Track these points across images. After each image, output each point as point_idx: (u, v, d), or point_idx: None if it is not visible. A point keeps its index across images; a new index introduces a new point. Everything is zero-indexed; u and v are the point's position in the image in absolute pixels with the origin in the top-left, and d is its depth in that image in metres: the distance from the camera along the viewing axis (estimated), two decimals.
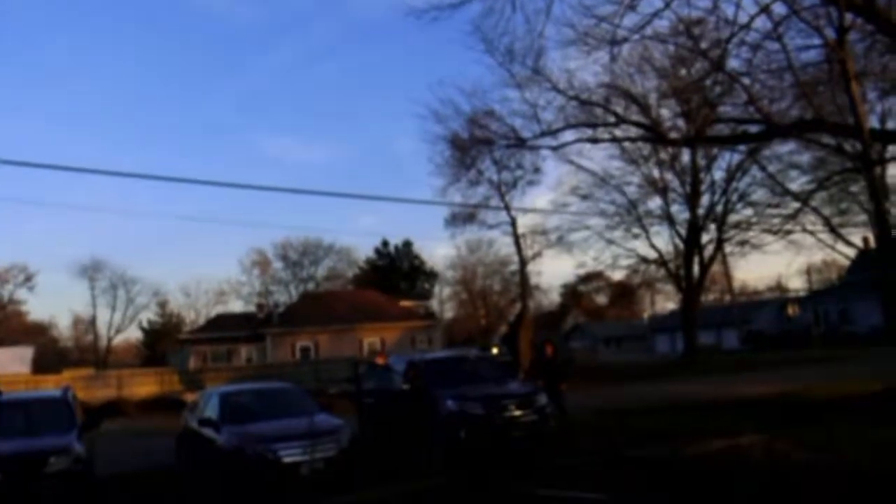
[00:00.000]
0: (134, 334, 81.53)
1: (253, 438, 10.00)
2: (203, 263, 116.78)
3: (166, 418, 23.48)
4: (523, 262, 39.00)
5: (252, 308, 56.86)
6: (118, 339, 78.67)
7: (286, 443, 9.91)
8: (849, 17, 11.26)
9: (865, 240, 47.21)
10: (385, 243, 74.20)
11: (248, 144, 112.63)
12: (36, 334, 69.88)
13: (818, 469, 8.91)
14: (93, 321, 76.15)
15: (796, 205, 32.56)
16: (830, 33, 11.60)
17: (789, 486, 8.13)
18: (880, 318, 47.57)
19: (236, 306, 73.17)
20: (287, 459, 9.76)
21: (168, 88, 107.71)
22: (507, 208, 36.62)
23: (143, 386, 35.27)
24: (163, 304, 74.35)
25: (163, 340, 66.03)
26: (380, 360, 13.89)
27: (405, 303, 54.75)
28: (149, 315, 75.17)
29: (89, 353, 74.36)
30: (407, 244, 74.50)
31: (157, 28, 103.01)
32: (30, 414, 10.15)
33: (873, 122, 18.38)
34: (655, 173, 39.66)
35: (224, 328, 47.98)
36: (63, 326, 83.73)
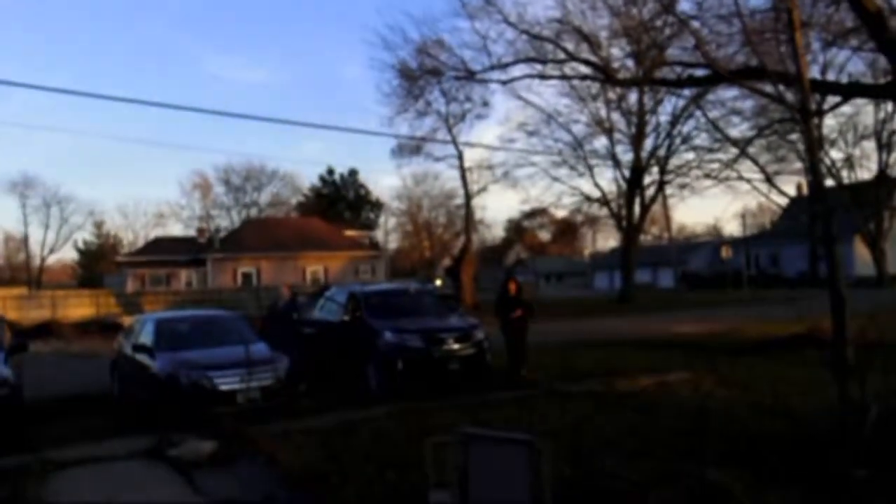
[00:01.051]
0: (69, 255, 79.45)
1: (188, 365, 9.95)
2: (141, 185, 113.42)
3: (103, 341, 23.13)
4: (468, 196, 39.09)
5: (192, 232, 55.81)
6: (52, 260, 76.49)
7: (222, 371, 9.89)
8: None
9: (799, 187, 48.80)
10: (330, 171, 73.33)
11: (190, 63, 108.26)
12: None
13: (735, 405, 9.40)
14: (25, 240, 73.70)
15: (736, 151, 33.25)
16: None
17: (707, 419, 8.56)
18: (806, 263, 49.74)
19: (176, 230, 71.69)
20: (223, 387, 9.77)
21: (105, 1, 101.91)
22: (455, 141, 36.46)
23: (79, 308, 34.58)
24: (99, 225, 72.35)
25: (99, 262, 64.59)
26: (285, 291, 13.75)
27: (349, 232, 54.53)
28: (84, 235, 73.14)
29: (21, 273, 72.14)
30: (353, 173, 73.77)
31: None
32: None
33: (814, 72, 18.74)
34: (602, 113, 39.87)
35: (163, 251, 47.08)
36: None
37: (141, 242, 59.95)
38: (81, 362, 18.89)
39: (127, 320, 18.01)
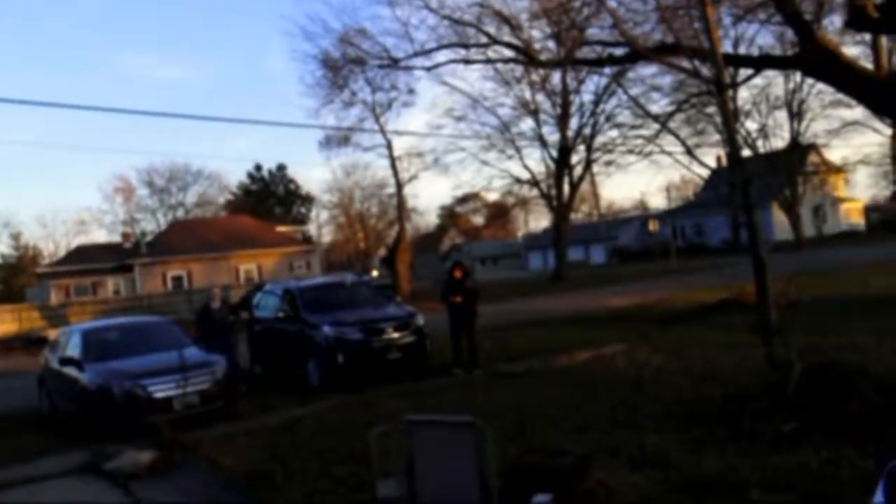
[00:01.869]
0: None
1: (120, 375, 9.64)
2: (60, 192, 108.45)
3: (28, 357, 22.22)
4: (400, 185, 38.91)
5: (117, 238, 53.91)
6: None
7: (156, 378, 9.62)
8: None
9: (718, 159, 50.46)
10: (258, 167, 71.97)
11: (103, 63, 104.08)
12: None
13: (669, 372, 9.72)
14: None
15: (657, 126, 34.11)
16: None
17: (642, 388, 8.83)
18: (729, 231, 51.59)
19: (99, 236, 69.07)
20: (158, 395, 9.51)
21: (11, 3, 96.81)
22: (383, 130, 36.16)
23: (0, 324, 33.03)
24: (16, 237, 69.04)
25: (19, 275, 61.74)
26: (216, 293, 13.25)
27: (281, 228, 53.70)
28: (1, 248, 69.74)
29: None
30: (281, 168, 72.61)
31: None
32: None
33: (727, 46, 19.35)
34: (527, 95, 40.23)
35: (87, 260, 45.34)
36: None
37: (62, 252, 57.57)
38: (6, 380, 18.09)
39: (52, 333, 17.31)
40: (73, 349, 10.71)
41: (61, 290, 43.24)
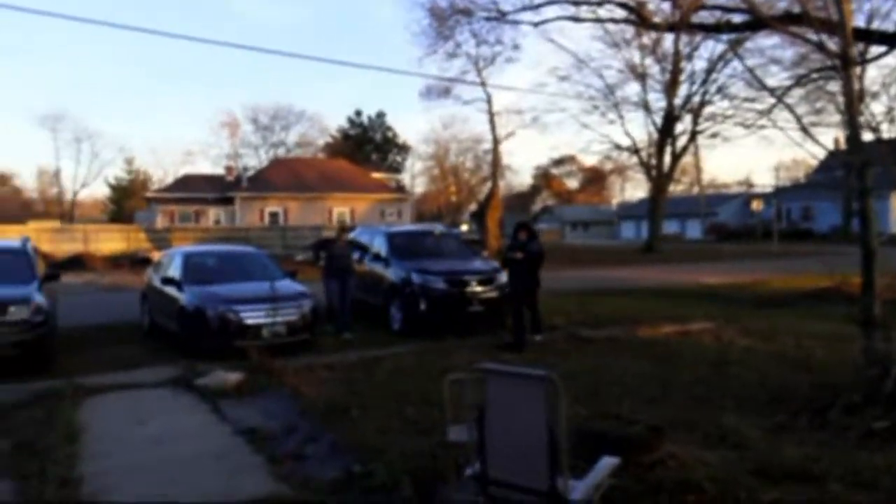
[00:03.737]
0: (100, 190, 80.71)
1: (215, 299, 10.14)
2: (170, 122, 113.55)
3: (133, 275, 23.66)
4: (496, 141, 38.64)
5: (220, 170, 56.00)
6: (84, 194, 77.65)
7: (248, 305, 10.07)
8: None
9: (836, 141, 47.43)
10: (358, 113, 72.86)
11: (220, 2, 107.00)
12: None
13: (756, 355, 9.40)
14: (57, 174, 74.81)
15: (771, 101, 32.32)
16: None
17: (727, 368, 8.59)
18: (840, 218, 48.82)
19: (204, 167, 72.28)
20: (249, 321, 9.96)
21: None
22: (484, 84, 35.85)
23: (110, 242, 35.21)
24: (129, 161, 72.90)
25: (130, 198, 65.30)
26: (342, 236, 13.09)
27: (376, 175, 54.43)
28: (115, 171, 73.95)
29: (54, 206, 73.43)
30: (380, 115, 73.25)
31: None
32: None
33: (859, 20, 18.03)
34: (636, 58, 38.88)
35: (192, 189, 47.45)
36: (27, 177, 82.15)
37: (170, 179, 60.41)
38: (112, 294, 19.35)
39: (156, 255, 18.32)
40: (175, 270, 11.32)
41: (167, 216, 45.53)
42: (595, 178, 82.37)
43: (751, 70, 28.93)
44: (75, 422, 6.73)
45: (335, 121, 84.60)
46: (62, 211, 71.00)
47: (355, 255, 13.17)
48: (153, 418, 6.97)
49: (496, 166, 40.35)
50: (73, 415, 6.95)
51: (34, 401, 7.50)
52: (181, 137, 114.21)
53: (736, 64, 33.47)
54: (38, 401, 7.49)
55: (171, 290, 10.95)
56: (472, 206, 63.86)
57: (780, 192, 55.63)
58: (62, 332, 10.93)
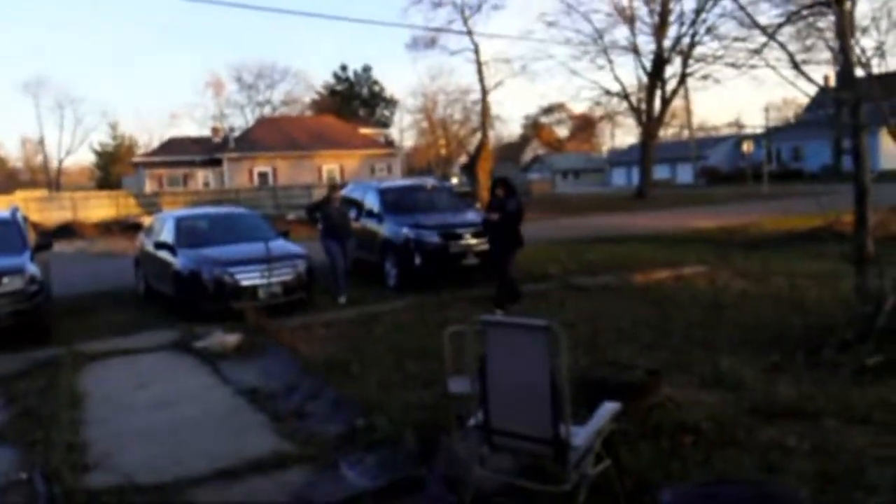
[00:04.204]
0: (86, 157, 79.78)
1: (210, 262, 10.11)
2: (154, 85, 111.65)
3: (124, 241, 23.57)
4: (485, 91, 38.19)
5: (207, 132, 55.35)
6: (70, 162, 77.01)
7: (243, 266, 10.06)
8: None
9: (826, 78, 47.14)
10: (344, 67, 71.74)
11: None
12: None
13: (750, 297, 9.48)
14: (41, 142, 73.95)
15: (763, 39, 31.96)
16: None
17: (721, 310, 8.67)
18: (830, 157, 48.78)
19: (190, 129, 71.46)
20: (244, 283, 9.96)
21: None
22: (471, 33, 35.28)
23: (99, 209, 34.98)
24: (114, 126, 71.93)
25: (116, 163, 64.63)
26: (336, 195, 11.62)
27: (364, 130, 53.89)
28: (100, 137, 73.10)
29: (40, 175, 72.67)
30: (366, 69, 72.19)
31: None
32: None
33: None
34: (624, 1, 38.28)
35: (179, 152, 46.95)
36: (10, 147, 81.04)
37: (156, 143, 59.71)
38: (105, 261, 19.29)
39: (147, 220, 18.22)
40: (167, 234, 11.26)
41: (155, 180, 45.15)
42: (585, 126, 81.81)
43: (743, 7, 28.48)
44: (77, 388, 6.77)
45: (321, 77, 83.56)
46: (48, 179, 70.25)
47: (351, 214, 13.05)
48: (154, 382, 7.01)
49: (485, 117, 39.95)
50: (74, 381, 6.98)
51: (34, 369, 7.52)
52: (166, 100, 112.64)
53: (725, 2, 33.06)
54: (39, 369, 7.52)
55: (164, 255, 10.91)
56: (462, 159, 63.44)
57: (770, 133, 55.42)
58: (57, 301, 10.92)
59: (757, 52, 33.64)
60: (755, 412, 5.12)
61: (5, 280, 8.74)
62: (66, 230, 28.37)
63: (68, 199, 36.11)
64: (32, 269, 9.11)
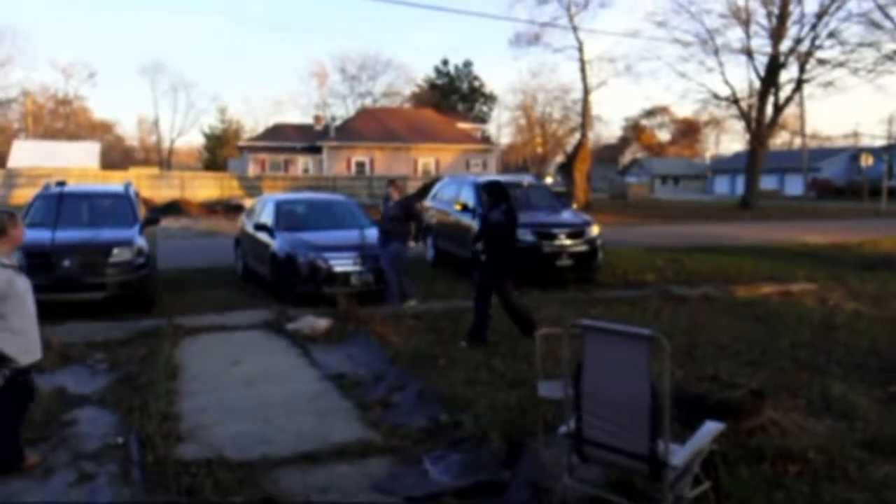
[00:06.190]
0: (195, 138, 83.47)
1: (306, 246, 10.28)
2: (261, 72, 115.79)
3: (226, 221, 24.50)
4: (587, 90, 37.55)
5: (309, 120, 56.86)
6: (180, 142, 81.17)
7: (338, 252, 10.18)
8: None
9: None
10: (445, 62, 72.13)
11: None
12: (101, 131, 72.04)
13: (864, 320, 8.84)
14: (156, 122, 78.01)
15: (892, 46, 30.00)
16: None
17: (833, 332, 8.11)
18: None
19: (293, 116, 73.58)
20: (338, 269, 10.08)
21: None
22: (575, 30, 34.73)
23: (204, 189, 36.55)
24: (223, 111, 75.31)
25: (223, 146, 67.28)
26: (393, 192, 10.40)
27: (462, 125, 54.03)
28: (209, 120, 76.49)
29: (153, 154, 76.78)
30: (467, 64, 72.35)
31: None
32: (93, 207, 10.53)
33: None
34: (740, 1, 36.67)
35: (282, 138, 48.44)
36: (128, 125, 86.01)
37: (261, 129, 61.84)
38: (207, 239, 20.07)
39: (248, 202, 18.80)
40: (267, 217, 11.54)
41: (257, 164, 46.74)
42: (688, 131, 79.24)
43: (881, 7, 26.48)
44: (174, 360, 6.99)
45: (422, 70, 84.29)
46: (160, 158, 74.12)
47: (440, 206, 12.94)
48: (247, 359, 7.16)
49: (586, 116, 39.30)
50: (172, 353, 7.22)
51: (137, 338, 7.84)
52: (272, 87, 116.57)
53: (851, 5, 31.13)
54: (141, 338, 7.82)
55: (263, 236, 11.19)
56: (559, 158, 62.73)
57: (893, 147, 51.99)
58: (162, 275, 11.38)
59: (890, 58, 31.44)
60: (869, 445, 4.73)
61: (115, 251, 9.17)
62: (174, 207, 29.72)
63: (177, 178, 37.90)
64: (141, 241, 9.52)
